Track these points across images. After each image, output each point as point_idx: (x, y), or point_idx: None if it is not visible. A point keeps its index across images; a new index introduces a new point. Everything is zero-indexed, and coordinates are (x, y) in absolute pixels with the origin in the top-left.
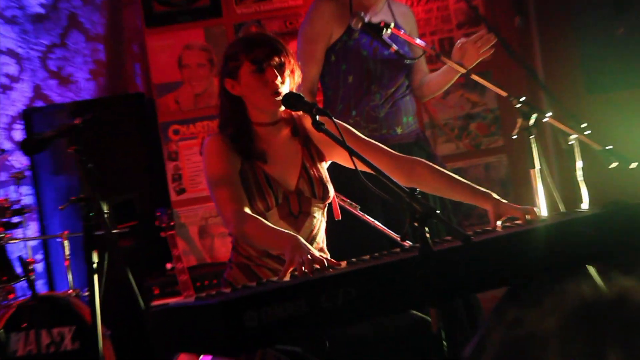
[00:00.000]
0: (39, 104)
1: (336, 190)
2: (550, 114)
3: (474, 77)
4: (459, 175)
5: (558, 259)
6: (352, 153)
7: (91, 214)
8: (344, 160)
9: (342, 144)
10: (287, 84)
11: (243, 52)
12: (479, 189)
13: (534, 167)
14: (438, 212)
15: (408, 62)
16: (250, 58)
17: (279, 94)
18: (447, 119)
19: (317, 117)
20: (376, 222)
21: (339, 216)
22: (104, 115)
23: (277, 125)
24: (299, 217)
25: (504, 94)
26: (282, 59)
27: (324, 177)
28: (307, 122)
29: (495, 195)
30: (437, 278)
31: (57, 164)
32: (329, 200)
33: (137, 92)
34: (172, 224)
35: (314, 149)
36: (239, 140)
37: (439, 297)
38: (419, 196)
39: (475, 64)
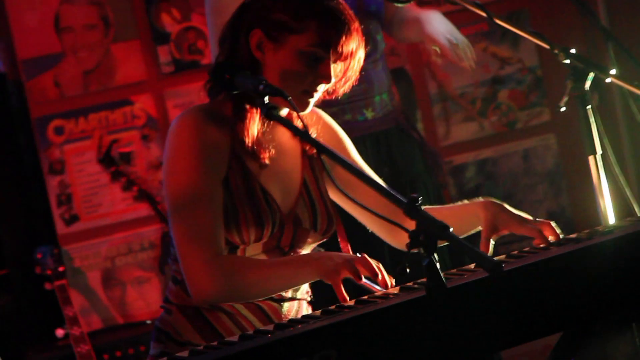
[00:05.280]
0: None
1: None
2: (614, 71)
3: (499, 21)
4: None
5: (632, 291)
6: (321, 150)
7: None
8: None
9: (307, 138)
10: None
11: (315, 19)
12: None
13: (594, 153)
14: (451, 229)
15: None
16: (322, 35)
17: (312, 97)
18: (465, 87)
19: (267, 98)
20: None
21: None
22: None
23: None
24: (288, 254)
25: (544, 45)
26: (355, 56)
27: (328, 203)
28: (322, 117)
29: (495, 200)
30: (454, 328)
31: None
32: (328, 237)
33: None
34: (61, 269)
35: (317, 161)
36: (243, 119)
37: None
38: (422, 209)
39: None
